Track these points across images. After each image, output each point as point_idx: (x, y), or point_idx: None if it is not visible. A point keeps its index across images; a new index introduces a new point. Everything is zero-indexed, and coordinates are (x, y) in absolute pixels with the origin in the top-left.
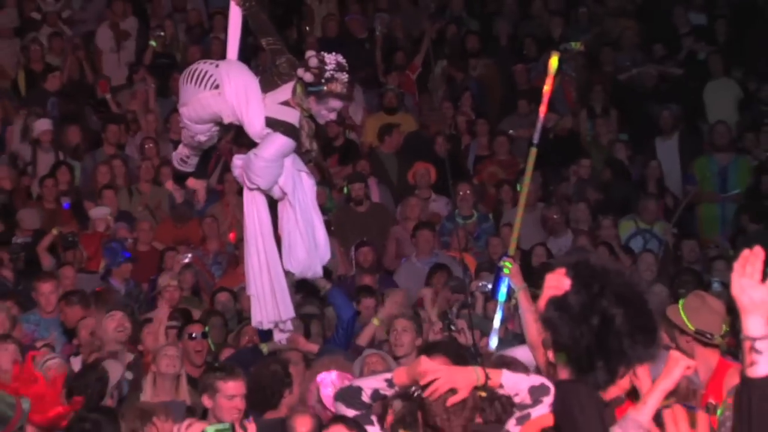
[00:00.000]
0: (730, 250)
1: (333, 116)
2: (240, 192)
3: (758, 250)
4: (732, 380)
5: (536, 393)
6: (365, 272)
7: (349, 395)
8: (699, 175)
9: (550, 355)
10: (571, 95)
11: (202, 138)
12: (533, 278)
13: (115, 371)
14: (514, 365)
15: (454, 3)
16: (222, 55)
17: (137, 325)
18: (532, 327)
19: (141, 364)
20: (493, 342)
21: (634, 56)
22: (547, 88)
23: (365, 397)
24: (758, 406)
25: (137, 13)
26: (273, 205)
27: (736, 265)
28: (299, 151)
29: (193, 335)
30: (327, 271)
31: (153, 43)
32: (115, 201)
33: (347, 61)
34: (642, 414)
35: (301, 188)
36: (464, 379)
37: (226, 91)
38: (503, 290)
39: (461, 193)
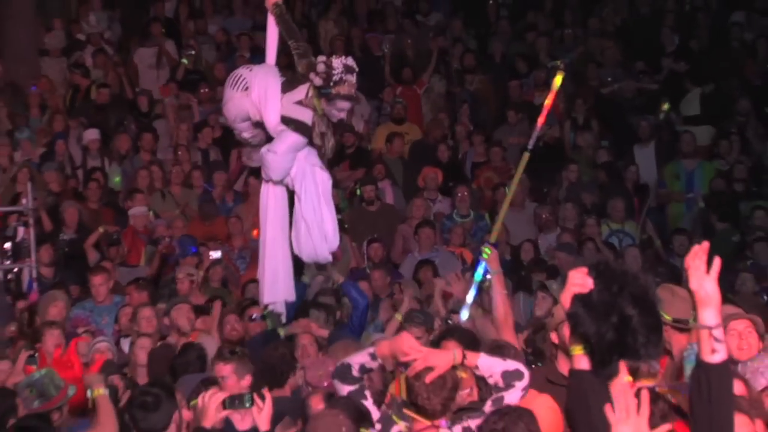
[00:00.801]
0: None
1: (343, 115)
2: None
3: (704, 245)
4: None
5: (509, 377)
6: (375, 266)
7: (341, 372)
8: (668, 179)
9: (554, 337)
10: (558, 107)
11: (246, 135)
12: (525, 269)
13: (212, 347)
14: (506, 348)
15: (454, 25)
16: None
17: None
18: (500, 307)
19: None
20: (464, 315)
21: (615, 72)
22: (548, 102)
23: (354, 372)
24: (717, 388)
25: (169, 34)
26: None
27: (689, 261)
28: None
29: (253, 317)
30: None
31: (184, 60)
32: (149, 202)
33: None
34: None
35: (312, 181)
36: (442, 358)
37: (253, 93)
38: (480, 271)
39: (459, 194)
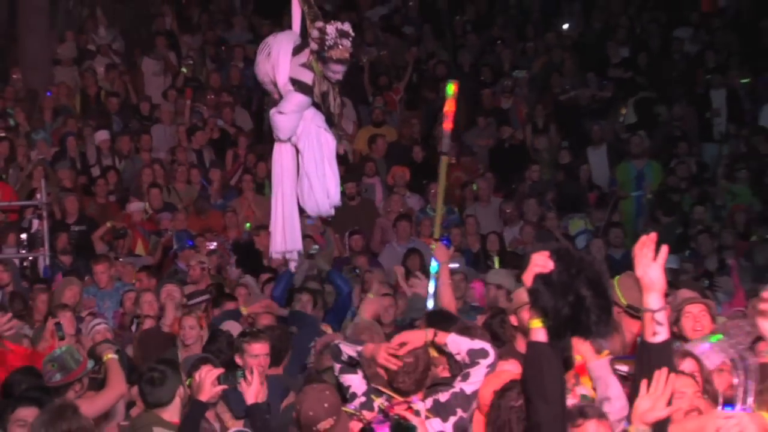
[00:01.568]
0: None
1: (339, 77)
2: (256, 189)
3: (652, 236)
4: None
5: (475, 355)
6: (357, 254)
7: (334, 352)
8: (620, 178)
9: (513, 320)
10: (521, 113)
11: (276, 97)
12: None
13: (235, 329)
14: (474, 329)
15: (427, 38)
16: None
17: None
18: (444, 297)
19: None
20: (430, 304)
21: (573, 81)
22: (449, 108)
23: (344, 357)
24: (658, 365)
25: (170, 46)
26: None
27: (636, 250)
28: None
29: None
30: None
31: (184, 69)
32: (160, 197)
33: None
34: None
35: (316, 140)
36: (415, 335)
37: (271, 56)
38: (434, 264)
39: (432, 191)
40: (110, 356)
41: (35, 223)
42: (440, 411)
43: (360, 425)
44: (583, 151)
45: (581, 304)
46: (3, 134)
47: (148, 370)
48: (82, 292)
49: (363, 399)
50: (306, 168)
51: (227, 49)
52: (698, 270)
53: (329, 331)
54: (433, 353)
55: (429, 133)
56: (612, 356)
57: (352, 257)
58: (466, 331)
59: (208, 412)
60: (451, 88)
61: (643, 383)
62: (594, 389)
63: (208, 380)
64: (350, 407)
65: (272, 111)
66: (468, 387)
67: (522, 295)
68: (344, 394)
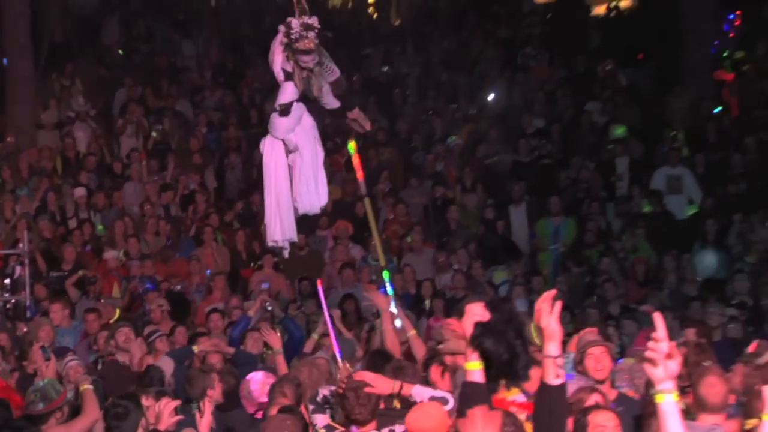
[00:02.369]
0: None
1: (310, 65)
2: (216, 239)
3: (551, 292)
4: None
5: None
6: (306, 298)
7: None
8: (539, 233)
9: (449, 359)
10: (452, 175)
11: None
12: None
13: (168, 366)
14: (407, 368)
15: (370, 108)
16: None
17: None
18: (389, 338)
19: None
20: (398, 323)
21: (496, 147)
22: (356, 162)
23: (319, 398)
24: (557, 404)
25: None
26: None
27: (539, 304)
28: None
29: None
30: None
31: (154, 133)
32: (137, 245)
33: None
34: None
35: (313, 151)
36: (384, 384)
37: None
38: (389, 289)
39: (373, 242)
40: (86, 386)
41: (17, 269)
42: None
43: None
44: (506, 209)
45: (513, 350)
46: None
47: (113, 405)
48: (54, 331)
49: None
50: (305, 171)
51: (194, 116)
52: (602, 314)
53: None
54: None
55: (369, 191)
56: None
57: (301, 301)
58: (399, 371)
59: None
60: (352, 147)
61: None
62: None
63: (166, 411)
64: None
65: (273, 114)
66: None
67: (454, 342)
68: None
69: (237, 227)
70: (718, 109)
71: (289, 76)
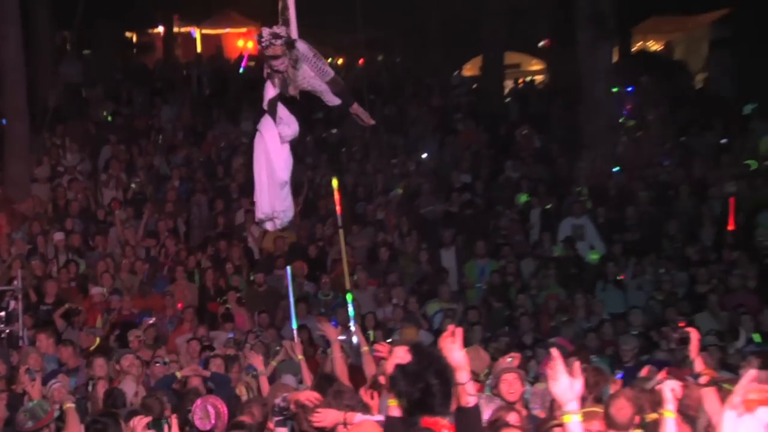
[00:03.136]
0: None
1: (281, 67)
2: (187, 278)
3: (451, 329)
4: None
5: None
6: (264, 329)
7: (274, 408)
8: (467, 273)
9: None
10: (391, 222)
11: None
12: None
13: (131, 390)
14: (346, 392)
15: (322, 164)
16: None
17: None
18: (338, 364)
19: None
20: (354, 339)
21: (429, 199)
22: (336, 197)
23: (276, 408)
24: (473, 424)
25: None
26: None
27: (441, 341)
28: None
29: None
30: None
31: (133, 185)
32: (111, 282)
33: None
34: None
35: (286, 161)
36: (332, 417)
37: None
38: (351, 310)
39: (323, 280)
40: (69, 405)
41: (12, 303)
42: None
43: None
44: (438, 252)
45: (429, 390)
46: None
47: (93, 422)
48: (41, 357)
49: None
50: (286, 178)
51: (168, 170)
52: (516, 343)
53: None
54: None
55: (320, 236)
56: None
57: (260, 331)
58: (338, 395)
59: None
60: (335, 182)
61: None
62: None
63: (139, 427)
64: None
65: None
66: None
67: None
68: None
69: (206, 266)
70: (616, 168)
71: (270, 77)
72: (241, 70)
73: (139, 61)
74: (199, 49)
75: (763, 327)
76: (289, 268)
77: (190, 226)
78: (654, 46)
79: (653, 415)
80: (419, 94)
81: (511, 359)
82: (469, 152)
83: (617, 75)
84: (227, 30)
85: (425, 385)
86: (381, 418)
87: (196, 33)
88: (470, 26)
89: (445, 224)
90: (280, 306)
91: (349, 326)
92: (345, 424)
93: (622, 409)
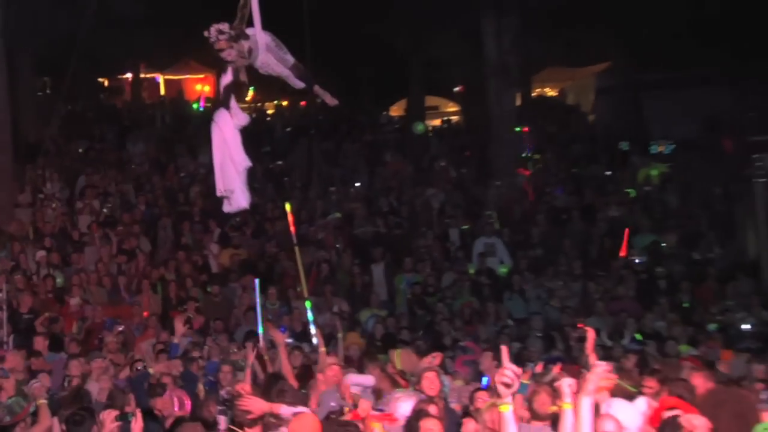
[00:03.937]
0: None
1: (229, 59)
2: (152, 289)
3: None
4: None
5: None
6: (219, 333)
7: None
8: (397, 285)
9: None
10: (330, 241)
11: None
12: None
13: (94, 389)
14: (287, 391)
15: (268, 192)
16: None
17: None
18: (285, 365)
19: None
20: (315, 340)
21: (362, 222)
22: (290, 218)
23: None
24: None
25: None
26: None
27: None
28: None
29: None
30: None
31: (105, 210)
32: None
33: None
34: None
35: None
36: (259, 405)
37: None
38: (310, 316)
39: (269, 291)
40: (41, 402)
41: None
42: None
43: None
44: (369, 267)
45: None
46: None
47: (72, 415)
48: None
49: None
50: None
51: (135, 197)
52: (437, 345)
53: None
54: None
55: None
56: None
57: (216, 335)
58: (281, 393)
59: None
60: (289, 206)
61: None
62: None
63: (107, 419)
64: None
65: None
66: None
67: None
68: None
69: (169, 279)
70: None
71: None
72: (199, 109)
73: (109, 102)
74: (162, 92)
75: (644, 328)
76: (257, 281)
77: (155, 245)
78: (550, 92)
79: (553, 408)
80: (353, 131)
81: (433, 358)
82: (395, 181)
83: (520, 117)
84: (187, 76)
85: None
86: (303, 409)
87: (160, 78)
88: (397, 73)
89: (375, 243)
90: (233, 314)
91: (310, 329)
92: (272, 414)
93: (544, 403)
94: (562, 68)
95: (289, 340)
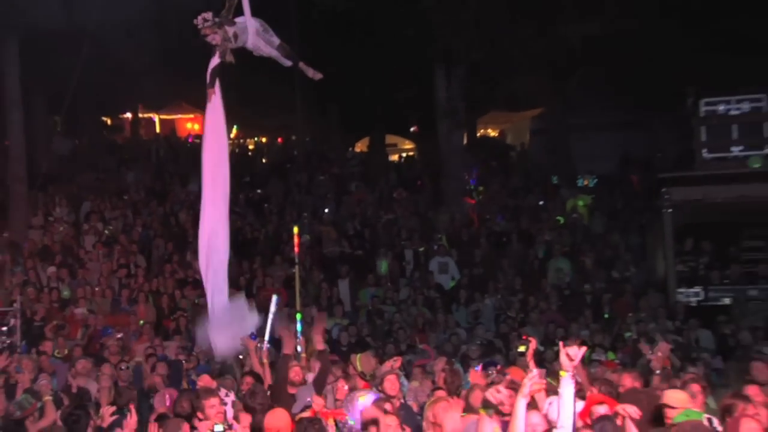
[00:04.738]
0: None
1: (213, 42)
2: (146, 300)
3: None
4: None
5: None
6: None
7: None
8: (360, 297)
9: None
10: (302, 259)
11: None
12: None
13: (93, 388)
14: (257, 393)
15: (248, 217)
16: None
17: None
18: (255, 364)
19: None
20: (299, 348)
21: (330, 242)
22: (296, 241)
23: None
24: None
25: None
26: None
27: None
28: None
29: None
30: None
31: (107, 231)
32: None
33: None
34: None
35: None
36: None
37: None
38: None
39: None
40: (47, 398)
41: (12, 320)
42: None
43: None
44: (336, 282)
45: None
46: None
47: (69, 414)
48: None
49: None
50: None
51: (133, 220)
52: (396, 351)
53: None
54: None
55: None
56: None
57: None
58: (252, 395)
59: None
60: (296, 229)
61: None
62: None
63: (107, 413)
64: None
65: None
66: None
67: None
68: None
69: (162, 292)
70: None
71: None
72: (188, 144)
73: (111, 138)
74: (158, 129)
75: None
76: (274, 297)
77: (150, 262)
78: (492, 133)
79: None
80: (323, 165)
81: (394, 361)
82: (359, 208)
83: (466, 153)
84: (179, 116)
85: None
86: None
87: (156, 118)
88: (361, 115)
89: (341, 261)
90: None
91: (297, 338)
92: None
93: (478, 398)
94: (503, 112)
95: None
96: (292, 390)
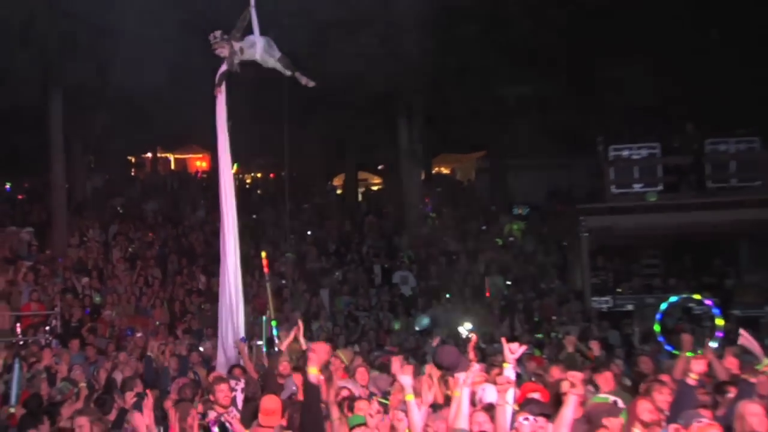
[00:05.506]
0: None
1: (223, 55)
2: (162, 305)
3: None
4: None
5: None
6: (210, 339)
7: None
8: (337, 305)
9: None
10: (289, 273)
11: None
12: None
13: (119, 377)
14: (249, 384)
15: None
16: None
17: None
18: (247, 364)
19: None
20: (276, 348)
21: (312, 259)
22: (265, 262)
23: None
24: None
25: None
26: None
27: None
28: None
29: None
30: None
31: (130, 249)
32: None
33: None
34: None
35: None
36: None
37: None
38: (275, 331)
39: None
40: (82, 385)
41: (54, 322)
42: None
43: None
44: (318, 292)
45: None
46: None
47: (97, 398)
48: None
49: None
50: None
51: (152, 239)
52: (367, 349)
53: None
54: None
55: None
56: None
57: (206, 339)
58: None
59: None
60: (264, 255)
61: None
62: None
63: (128, 397)
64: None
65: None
66: None
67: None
68: None
69: (175, 299)
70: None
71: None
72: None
73: (135, 173)
74: (173, 166)
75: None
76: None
77: (165, 275)
78: (444, 170)
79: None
80: (307, 196)
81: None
82: (336, 231)
83: (424, 187)
84: (190, 155)
85: None
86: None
87: (171, 157)
88: (337, 155)
89: (322, 275)
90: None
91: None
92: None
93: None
94: (453, 154)
95: (260, 342)
96: (281, 380)
